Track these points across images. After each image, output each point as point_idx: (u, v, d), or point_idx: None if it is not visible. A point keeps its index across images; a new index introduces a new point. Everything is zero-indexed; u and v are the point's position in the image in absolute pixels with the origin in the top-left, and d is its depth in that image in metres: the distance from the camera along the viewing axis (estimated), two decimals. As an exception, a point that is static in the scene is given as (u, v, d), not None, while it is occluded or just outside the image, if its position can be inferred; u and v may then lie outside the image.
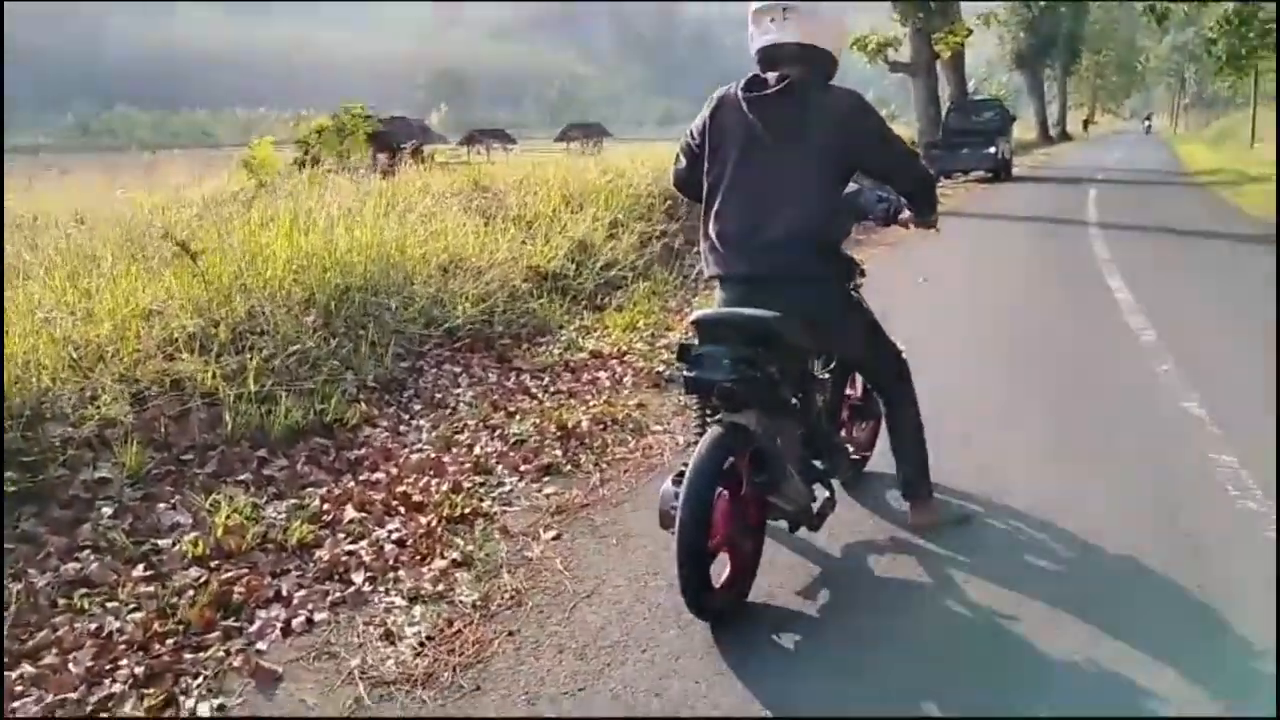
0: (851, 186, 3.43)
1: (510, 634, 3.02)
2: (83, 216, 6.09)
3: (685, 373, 3.02)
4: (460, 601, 3.22)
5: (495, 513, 3.92)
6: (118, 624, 2.98)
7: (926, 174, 3.46)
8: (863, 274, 3.54)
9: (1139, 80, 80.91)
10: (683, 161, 3.50)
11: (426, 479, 4.18)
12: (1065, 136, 56.02)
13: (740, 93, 3.22)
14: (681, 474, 2.99)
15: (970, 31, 25.71)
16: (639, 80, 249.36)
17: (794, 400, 3.19)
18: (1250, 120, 33.25)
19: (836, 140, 3.15)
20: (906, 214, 3.49)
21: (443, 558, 3.50)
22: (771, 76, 3.17)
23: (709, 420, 3.12)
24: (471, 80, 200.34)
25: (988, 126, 23.99)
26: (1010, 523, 3.75)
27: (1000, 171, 22.54)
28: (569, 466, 4.42)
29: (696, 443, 3.06)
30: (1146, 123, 68.82)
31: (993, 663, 2.82)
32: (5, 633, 2.89)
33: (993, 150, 22.16)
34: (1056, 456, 4.41)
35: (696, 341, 3.07)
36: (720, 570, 2.99)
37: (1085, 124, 70.16)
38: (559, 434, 4.73)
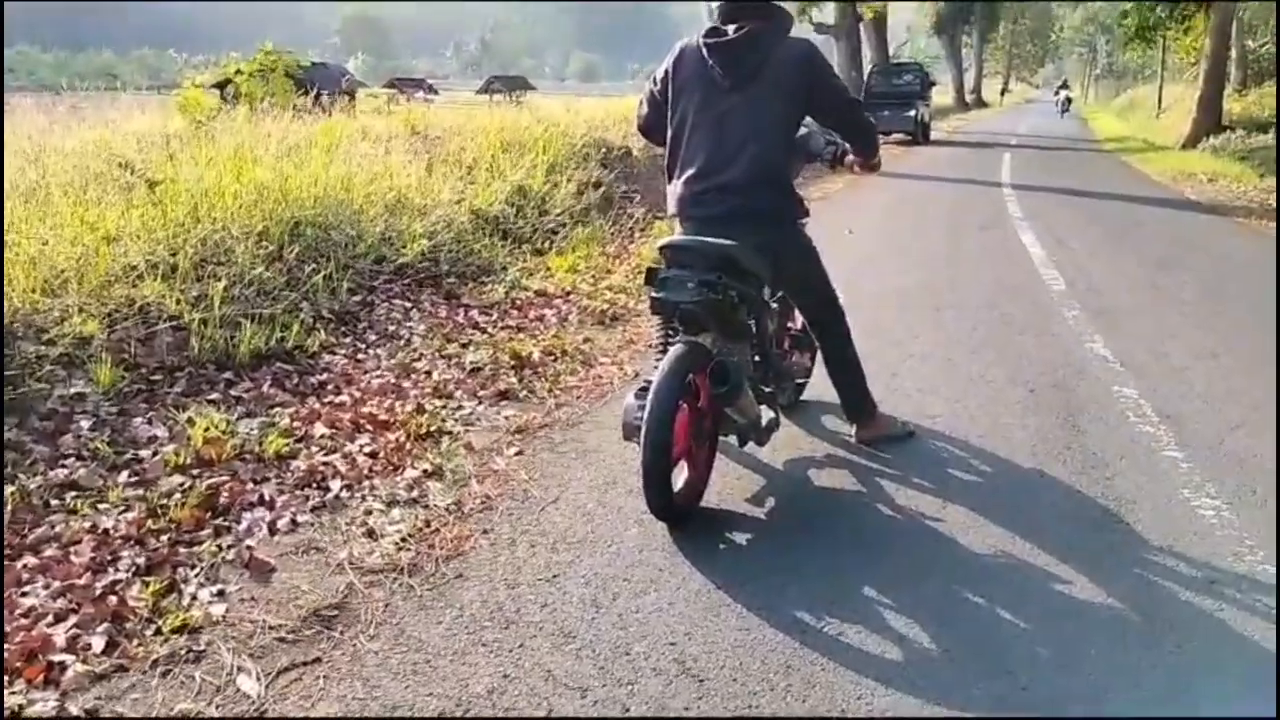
0: (801, 130, 3.70)
1: (485, 532, 3.28)
2: (26, 150, 6.05)
3: (653, 294, 3.28)
4: (435, 505, 3.46)
5: (459, 431, 4.15)
6: (111, 522, 3.16)
7: (869, 121, 3.77)
8: (807, 214, 3.83)
9: (1053, 50, 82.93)
10: (646, 108, 3.76)
11: (390, 401, 4.39)
12: (981, 103, 57.23)
13: (701, 40, 3.48)
14: (644, 389, 3.26)
15: (893, -4, 26.18)
16: (562, 34, 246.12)
17: (749, 324, 3.48)
18: (1157, 92, 34.43)
19: (792, 86, 3.43)
20: (852, 157, 3.79)
21: (414, 468, 3.73)
22: (730, 27, 3.43)
23: (670, 340, 3.39)
24: (388, 28, 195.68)
25: (909, 90, 24.54)
26: (934, 444, 4.11)
27: (920, 134, 23.16)
28: (525, 393, 4.66)
29: (655, 364, 3.35)
30: (1061, 95, 45.83)
31: (920, 556, 3.16)
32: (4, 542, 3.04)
33: (913, 113, 22.76)
34: (976, 389, 4.80)
35: (664, 266, 3.32)
36: (678, 478, 3.27)
37: (1002, 92, 71.23)
38: (513, 363, 4.96)
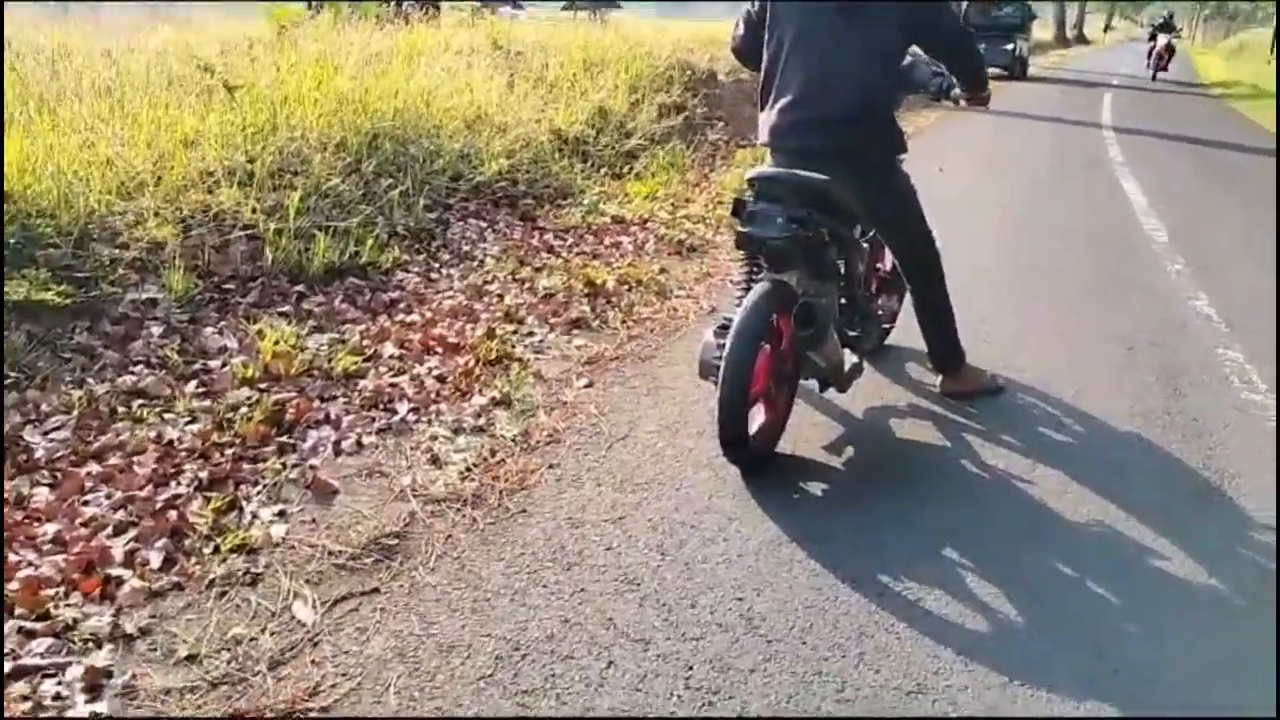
0: (905, 59, 3.47)
1: (550, 466, 3.18)
2: (109, 50, 6.01)
3: (739, 228, 3.11)
4: (501, 435, 3.37)
5: (528, 359, 4.05)
6: (176, 434, 3.12)
7: (980, 53, 3.52)
8: (905, 149, 3.60)
9: (1162, -14, 78.93)
10: (741, 28, 3.55)
11: (460, 323, 4.30)
12: (1083, 40, 54.85)
13: None
14: (724, 327, 3.11)
15: (999, -78, 24.96)
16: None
17: (838, 264, 3.29)
18: (1273, 35, 32.55)
19: (900, 11, 3.19)
20: (958, 90, 3.54)
21: (481, 395, 3.64)
22: None
23: (754, 277, 3.23)
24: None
25: (1007, 23, 23.46)
26: (1024, 399, 3.90)
27: (1017, 70, 22.20)
28: (597, 322, 4.54)
29: (736, 301, 3.20)
30: (1160, 39, 26.16)
31: (1008, 521, 2.99)
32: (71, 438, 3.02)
33: (1011, 48, 21.77)
34: (1071, 344, 4.55)
35: (752, 199, 3.14)
36: (754, 421, 3.13)
37: (1105, 29, 68.21)
38: (586, 291, 4.83)
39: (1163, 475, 3.33)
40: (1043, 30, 41.47)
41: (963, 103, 3.61)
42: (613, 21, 21.18)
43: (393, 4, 12.30)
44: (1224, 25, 65.40)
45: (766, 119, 3.35)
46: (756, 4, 3.42)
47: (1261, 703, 2.23)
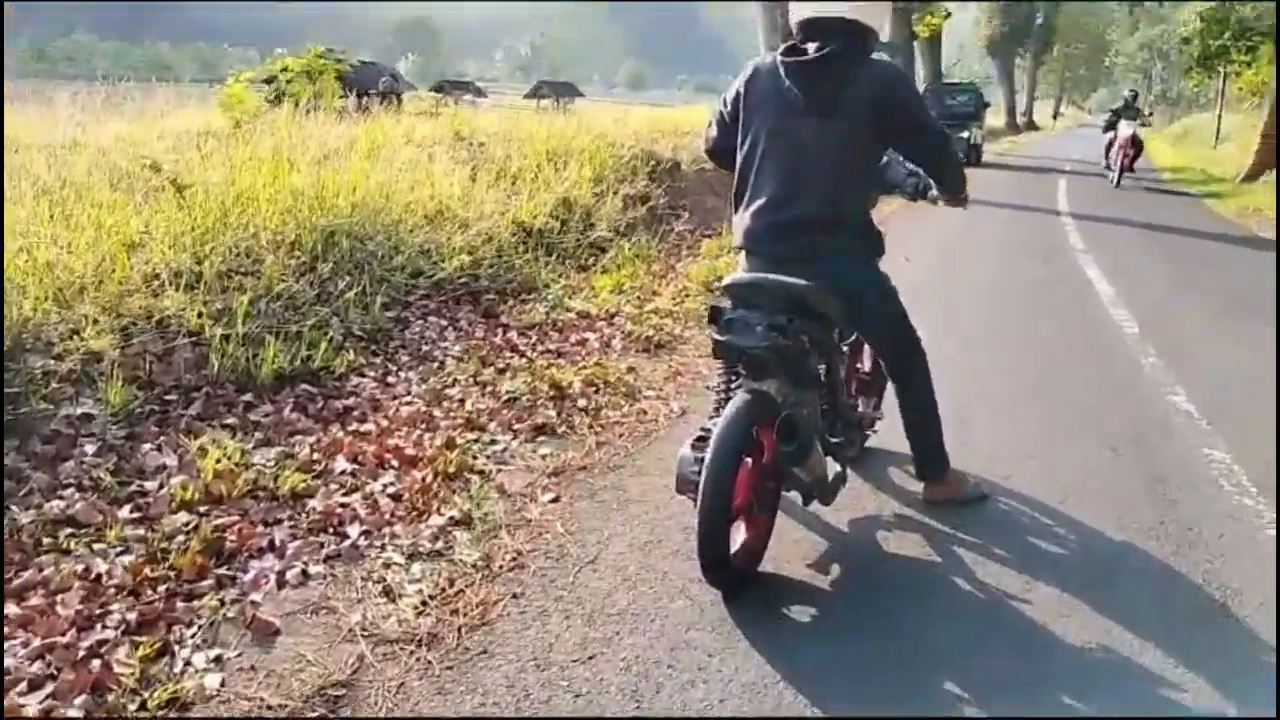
0: (882, 159, 3.37)
1: (514, 596, 2.94)
2: (62, 145, 5.83)
3: (716, 336, 2.95)
4: (461, 560, 3.13)
5: (490, 471, 3.83)
6: (106, 566, 2.86)
7: (956, 156, 3.43)
8: (883, 251, 3.47)
9: (1106, 75, 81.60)
10: (714, 130, 3.45)
11: (418, 433, 4.08)
12: (1033, 126, 56.32)
13: (779, 59, 3.14)
14: (701, 439, 2.94)
15: (949, 14, 25.75)
16: (613, 40, 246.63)
17: (819, 371, 3.13)
18: (1215, 121, 33.58)
19: (874, 114, 3.09)
20: (934, 191, 3.44)
21: (440, 514, 3.41)
22: (811, 46, 3.10)
23: (732, 387, 3.06)
24: (440, 30, 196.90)
25: (963, 110, 23.96)
26: (1010, 506, 3.73)
27: (972, 157, 22.59)
28: (563, 428, 4.33)
29: (713, 410, 3.03)
30: (1122, 130, 18.05)
31: (1010, 648, 2.78)
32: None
33: (966, 135, 22.18)
34: (1053, 445, 4.40)
35: (729, 305, 2.98)
36: (734, 539, 2.93)
37: (1054, 115, 70.11)
38: (552, 394, 4.63)
39: (1163, 593, 3.14)
40: (994, 117, 42.54)
41: (940, 203, 3.51)
42: (575, 110, 21.40)
43: (353, 95, 12.31)
44: (1168, 112, 67.46)
45: (740, 222, 3.21)
46: (729, 106, 3.31)
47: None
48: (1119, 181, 18.13)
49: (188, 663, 2.52)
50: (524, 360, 5.18)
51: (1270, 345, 6.24)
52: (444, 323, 5.58)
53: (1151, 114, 28.54)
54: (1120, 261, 9.70)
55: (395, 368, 4.86)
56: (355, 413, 4.24)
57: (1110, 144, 18.85)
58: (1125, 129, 17.96)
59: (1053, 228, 12.55)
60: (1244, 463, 4.21)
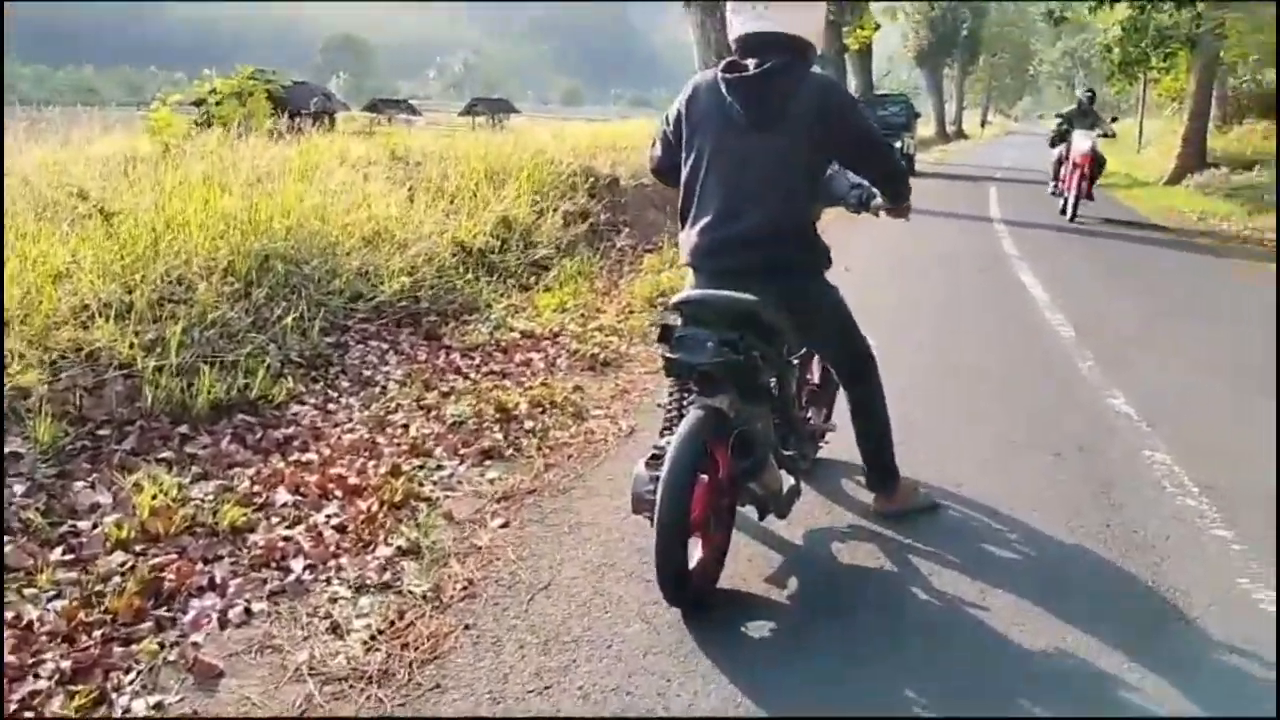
0: (826, 172, 3.37)
1: (466, 627, 2.87)
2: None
3: (667, 354, 2.92)
4: (410, 591, 3.05)
5: (438, 497, 3.75)
6: (38, 613, 2.74)
7: (900, 165, 3.44)
8: (830, 263, 3.47)
9: (1031, 83, 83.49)
10: (658, 149, 3.44)
11: (362, 461, 3.99)
12: (962, 135, 57.41)
13: (720, 74, 3.13)
14: (655, 457, 2.91)
15: (879, 26, 26.14)
16: (546, 57, 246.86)
17: (770, 386, 3.12)
18: (1138, 127, 34.49)
19: (816, 128, 3.09)
20: (878, 201, 3.45)
21: (387, 545, 3.32)
22: (751, 62, 3.09)
23: (684, 404, 3.02)
24: (372, 49, 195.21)
25: (894, 121, 24.31)
26: (962, 514, 3.74)
27: (905, 166, 22.93)
28: (511, 451, 4.26)
29: (665, 428, 3.00)
30: (1073, 143, 13.44)
31: (971, 658, 2.78)
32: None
33: (899, 144, 22.51)
34: (999, 453, 4.44)
35: (679, 322, 2.95)
36: (691, 557, 2.89)
37: (982, 124, 71.41)
38: (498, 416, 4.56)
39: (1115, 596, 3.17)
40: (924, 127, 43.29)
41: (883, 214, 3.52)
42: (511, 126, 21.34)
43: (286, 116, 12.11)
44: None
45: (687, 239, 3.19)
46: (671, 124, 3.29)
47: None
48: (1073, 214, 13.49)
49: (126, 711, 2.42)
50: (468, 382, 5.10)
51: (1193, 342, 6.39)
52: (385, 346, 5.49)
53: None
54: (1053, 266, 9.87)
55: (336, 394, 4.75)
56: (296, 442, 4.13)
57: (1060, 160, 14.32)
58: (1081, 141, 13.43)
59: (987, 234, 12.75)
60: (1183, 464, 4.27)
